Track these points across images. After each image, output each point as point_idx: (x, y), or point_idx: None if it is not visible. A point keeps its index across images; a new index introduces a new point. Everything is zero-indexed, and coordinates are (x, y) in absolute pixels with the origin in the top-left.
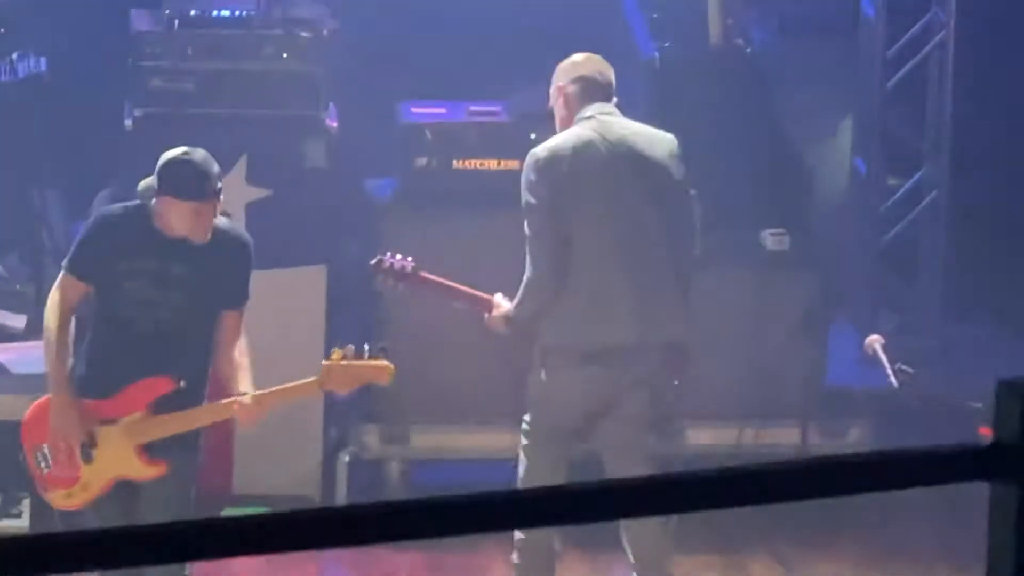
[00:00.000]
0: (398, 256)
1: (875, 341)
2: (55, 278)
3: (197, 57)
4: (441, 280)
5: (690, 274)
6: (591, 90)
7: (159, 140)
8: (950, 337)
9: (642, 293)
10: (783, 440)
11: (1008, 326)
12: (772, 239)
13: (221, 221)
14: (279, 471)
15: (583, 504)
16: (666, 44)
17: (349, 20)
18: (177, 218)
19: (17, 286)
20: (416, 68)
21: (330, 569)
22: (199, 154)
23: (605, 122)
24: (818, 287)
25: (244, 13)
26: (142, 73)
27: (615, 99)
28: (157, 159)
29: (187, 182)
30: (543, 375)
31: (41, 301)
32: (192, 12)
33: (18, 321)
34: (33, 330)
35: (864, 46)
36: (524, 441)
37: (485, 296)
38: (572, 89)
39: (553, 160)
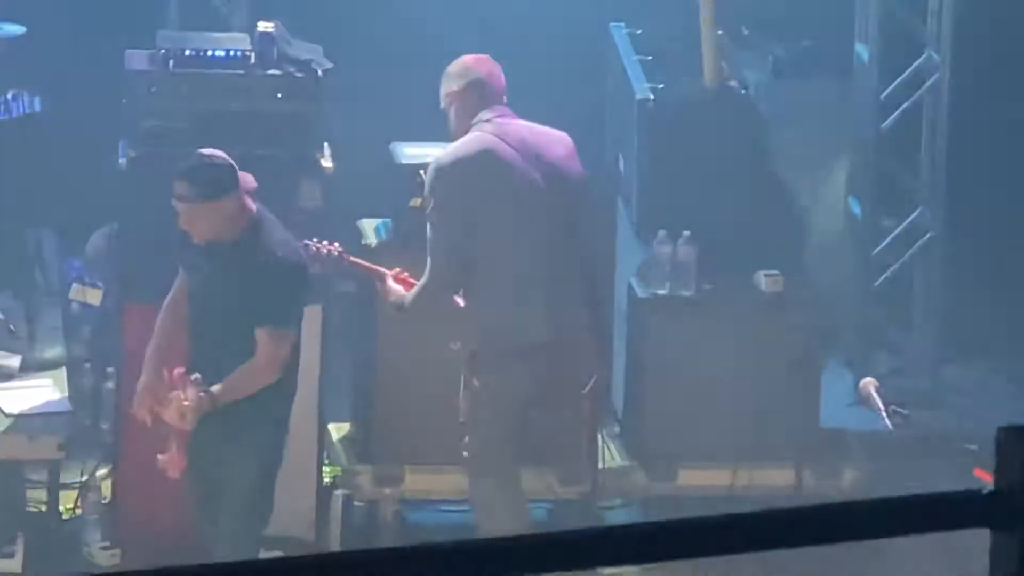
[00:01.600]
0: (324, 242)
1: (870, 383)
2: (49, 317)
3: (192, 97)
4: (360, 261)
5: (597, 271)
6: (486, 93)
7: (154, 179)
8: (944, 379)
9: (553, 291)
10: (777, 482)
11: (1003, 368)
12: (766, 281)
13: (275, 235)
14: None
15: (587, 549)
16: (660, 85)
17: (344, 60)
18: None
19: (11, 326)
20: (410, 109)
21: None
22: (194, 157)
23: (503, 125)
24: (812, 328)
25: (239, 53)
26: (137, 113)
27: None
28: (152, 198)
29: (173, 183)
30: (476, 382)
31: (35, 340)
32: (187, 52)
33: (12, 360)
34: (27, 369)
35: (858, 88)
36: (480, 469)
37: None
38: (467, 93)
39: (457, 167)
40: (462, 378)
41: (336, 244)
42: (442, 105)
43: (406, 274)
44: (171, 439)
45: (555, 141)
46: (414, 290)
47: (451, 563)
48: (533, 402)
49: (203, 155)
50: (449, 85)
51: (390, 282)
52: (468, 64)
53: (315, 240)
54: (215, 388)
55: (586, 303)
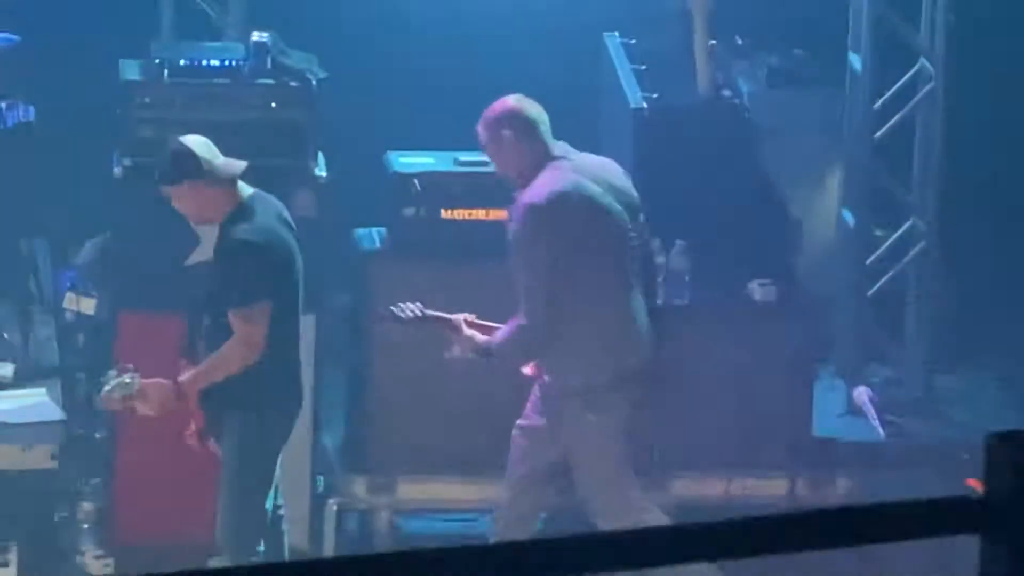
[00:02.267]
0: (408, 304)
1: (863, 392)
2: (43, 326)
3: (186, 107)
4: (438, 314)
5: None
6: (542, 129)
7: (148, 189)
8: (938, 388)
9: (640, 317)
10: (771, 491)
11: (996, 377)
12: (760, 290)
13: (255, 220)
14: None
15: (575, 555)
16: (654, 95)
17: (338, 70)
18: None
19: (4, 335)
20: (405, 118)
21: None
22: (176, 140)
23: (576, 160)
24: (805, 338)
25: (233, 63)
26: (131, 122)
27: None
28: (146, 208)
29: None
30: (591, 416)
31: (28, 349)
32: (181, 62)
33: (6, 369)
34: (21, 378)
35: (852, 97)
36: (609, 492)
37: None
38: (524, 131)
39: (553, 206)
40: (561, 411)
41: (418, 304)
42: (490, 150)
43: (473, 317)
44: (191, 422)
45: (615, 169)
46: (507, 334)
47: (446, 569)
48: (631, 427)
49: (174, 141)
50: (501, 129)
51: (467, 329)
52: (514, 105)
53: (398, 305)
54: (185, 376)
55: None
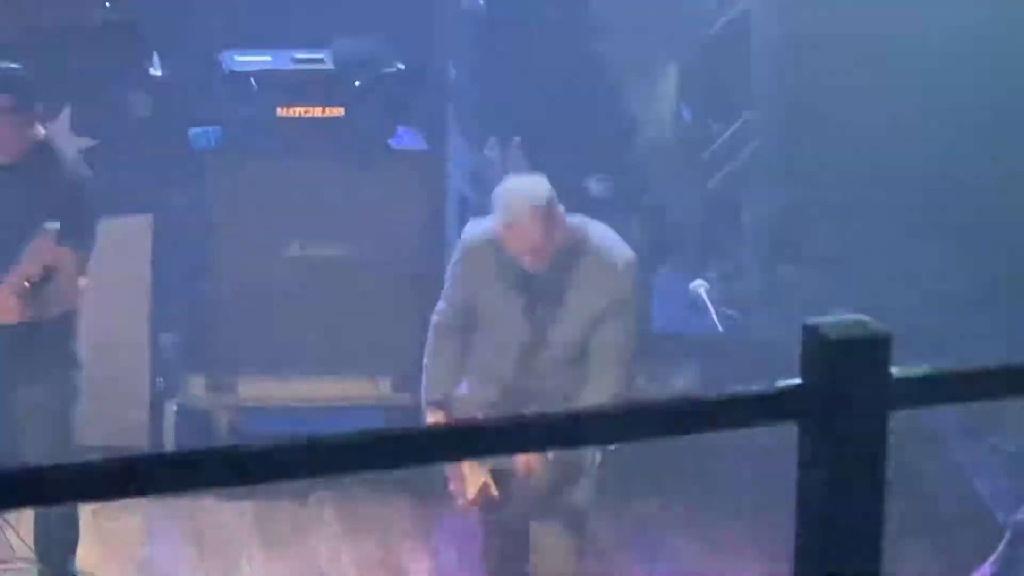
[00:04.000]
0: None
1: (699, 286)
2: None
3: (20, 9)
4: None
5: None
6: None
7: None
8: (775, 281)
9: None
10: None
11: (832, 269)
12: (597, 185)
13: (66, 155)
14: (105, 421)
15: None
16: None
17: None
18: None
19: None
20: (240, 16)
21: (156, 519)
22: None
23: None
24: (644, 233)
25: None
26: None
27: None
28: None
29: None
30: None
31: None
32: None
33: None
34: None
35: None
36: None
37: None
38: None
39: None
40: None
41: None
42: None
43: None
44: None
45: None
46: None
47: (294, 460)
48: None
49: (8, 67)
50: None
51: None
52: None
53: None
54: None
55: None
